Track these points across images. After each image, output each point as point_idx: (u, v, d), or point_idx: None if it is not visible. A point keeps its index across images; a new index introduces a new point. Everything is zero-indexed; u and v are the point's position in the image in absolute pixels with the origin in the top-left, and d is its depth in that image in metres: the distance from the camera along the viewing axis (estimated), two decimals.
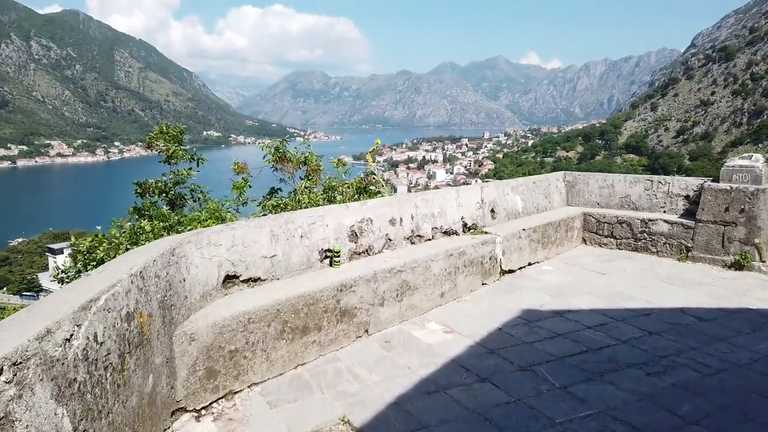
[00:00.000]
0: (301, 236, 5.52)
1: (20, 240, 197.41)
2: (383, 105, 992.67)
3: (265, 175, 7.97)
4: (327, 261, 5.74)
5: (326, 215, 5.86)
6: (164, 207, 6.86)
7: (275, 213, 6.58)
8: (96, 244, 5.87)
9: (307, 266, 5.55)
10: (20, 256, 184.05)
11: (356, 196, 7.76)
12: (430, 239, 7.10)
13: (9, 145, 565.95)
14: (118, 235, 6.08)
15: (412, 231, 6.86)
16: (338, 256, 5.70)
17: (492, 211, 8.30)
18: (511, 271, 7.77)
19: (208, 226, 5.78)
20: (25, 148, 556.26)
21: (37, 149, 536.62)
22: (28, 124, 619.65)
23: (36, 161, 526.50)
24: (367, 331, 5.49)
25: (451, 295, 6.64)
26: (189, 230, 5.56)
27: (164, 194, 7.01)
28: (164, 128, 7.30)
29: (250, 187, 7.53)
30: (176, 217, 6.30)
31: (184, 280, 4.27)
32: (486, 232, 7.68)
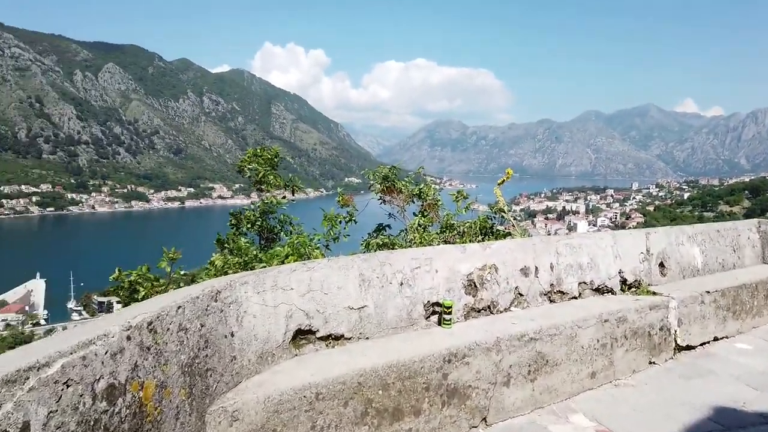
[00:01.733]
0: (401, 284, 4.26)
1: (183, 273, 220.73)
2: (521, 154, 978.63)
3: (373, 210, 6.83)
4: (434, 318, 4.42)
5: (435, 258, 4.52)
6: (246, 240, 5.95)
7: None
8: (140, 280, 4.99)
9: (407, 324, 4.28)
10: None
11: (479, 238, 6.27)
12: (575, 297, 5.39)
13: (180, 187, 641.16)
14: (168, 269, 5.19)
15: (551, 285, 5.22)
16: (449, 313, 4.35)
17: (661, 265, 6.32)
18: (689, 348, 5.71)
19: (288, 263, 4.63)
20: (192, 190, 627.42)
21: (202, 191, 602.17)
22: (196, 169, 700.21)
23: (201, 202, 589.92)
24: (485, 419, 4.01)
25: (605, 377, 4.84)
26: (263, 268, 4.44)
27: (252, 226, 6.11)
28: (258, 150, 6.54)
29: (355, 222, 6.36)
30: (254, 251, 5.30)
31: (232, 335, 3.32)
32: (653, 293, 5.77)
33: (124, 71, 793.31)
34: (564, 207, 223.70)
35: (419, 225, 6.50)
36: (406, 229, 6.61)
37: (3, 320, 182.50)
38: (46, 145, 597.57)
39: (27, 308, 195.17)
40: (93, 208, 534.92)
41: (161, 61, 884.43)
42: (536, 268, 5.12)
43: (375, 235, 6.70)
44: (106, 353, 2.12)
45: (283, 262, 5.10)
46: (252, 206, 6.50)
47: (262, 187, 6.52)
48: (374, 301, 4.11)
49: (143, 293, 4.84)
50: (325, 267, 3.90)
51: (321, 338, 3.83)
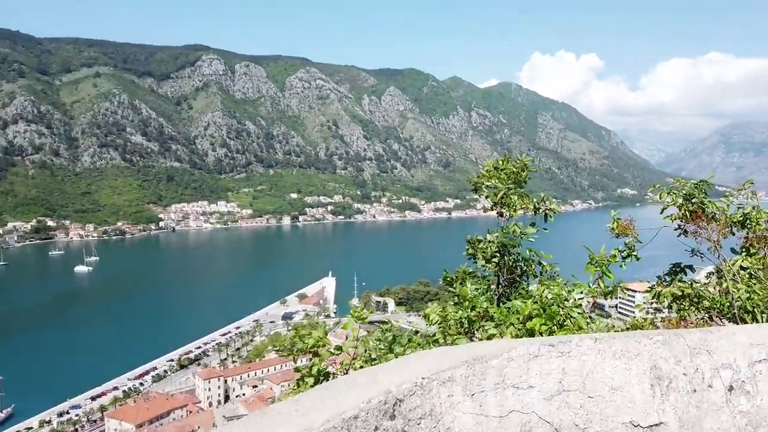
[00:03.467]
0: (730, 389, 2.39)
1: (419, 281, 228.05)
2: None
3: (666, 239, 4.73)
4: None
5: None
6: (476, 288, 4.58)
7: (680, 314, 3.84)
8: (319, 343, 4.13)
9: None
10: (446, 293, 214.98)
11: None
12: None
13: (447, 199, 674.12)
14: (363, 315, 4.20)
15: None
16: None
17: None
18: None
19: (532, 331, 3.71)
20: (459, 201, 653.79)
21: (468, 203, 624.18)
22: (463, 182, 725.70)
23: (465, 213, 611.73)
24: None
25: None
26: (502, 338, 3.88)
27: (488, 261, 4.76)
28: (500, 162, 5.11)
29: (637, 259, 4.43)
30: (483, 303, 4.11)
31: None
32: None
33: (402, 93, 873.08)
34: None
35: (742, 268, 4.26)
36: (718, 274, 4.38)
37: (303, 310, 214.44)
38: (339, 162, 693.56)
39: (321, 302, 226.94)
40: (374, 216, 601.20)
41: (434, 81, 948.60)
42: None
43: (668, 280, 4.60)
44: None
45: (524, 327, 3.91)
46: (492, 233, 5.15)
47: (503, 210, 5.10)
48: (678, 414, 2.36)
49: (316, 368, 4.11)
50: (590, 351, 2.33)
51: None
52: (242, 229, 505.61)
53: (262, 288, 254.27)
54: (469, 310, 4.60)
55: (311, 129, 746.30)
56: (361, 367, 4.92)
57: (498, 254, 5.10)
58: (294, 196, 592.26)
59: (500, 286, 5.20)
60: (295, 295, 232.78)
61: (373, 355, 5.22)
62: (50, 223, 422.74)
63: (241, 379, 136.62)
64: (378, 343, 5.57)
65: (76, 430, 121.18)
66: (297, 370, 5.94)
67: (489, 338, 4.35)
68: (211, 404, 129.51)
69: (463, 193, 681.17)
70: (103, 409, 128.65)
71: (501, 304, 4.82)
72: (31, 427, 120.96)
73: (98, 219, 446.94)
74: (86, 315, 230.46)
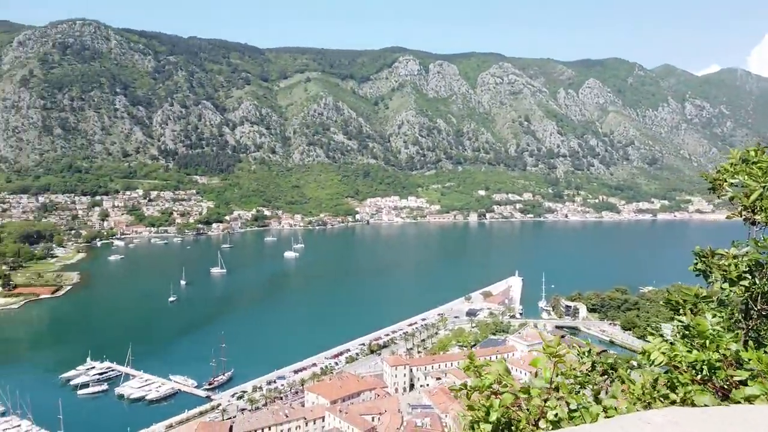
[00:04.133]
0: None
1: (649, 288, 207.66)
2: None
3: None
4: None
5: None
6: (718, 321, 3.62)
7: None
8: (500, 380, 3.81)
9: None
10: (648, 303, 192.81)
11: None
12: None
13: (652, 199, 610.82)
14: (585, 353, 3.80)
15: None
16: None
17: None
18: None
19: None
20: (666, 202, 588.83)
21: (677, 204, 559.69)
22: (672, 181, 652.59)
23: (674, 215, 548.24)
24: None
25: None
26: None
27: (733, 284, 3.79)
28: (752, 153, 3.92)
29: None
30: (731, 342, 3.37)
31: None
32: None
33: (603, 84, 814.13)
34: None
35: None
36: None
37: (488, 308, 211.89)
38: (530, 159, 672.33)
39: (506, 301, 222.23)
40: (566, 216, 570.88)
41: (641, 69, 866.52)
42: None
43: None
44: None
45: None
46: (739, 247, 3.64)
47: (757, 216, 3.87)
48: None
49: (495, 414, 3.87)
50: None
51: None
52: (430, 224, 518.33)
53: (448, 283, 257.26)
54: (711, 352, 3.41)
55: (501, 125, 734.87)
56: (556, 422, 3.70)
57: (748, 275, 3.85)
58: (482, 193, 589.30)
59: (750, 319, 3.90)
60: (479, 292, 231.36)
61: (572, 404, 3.93)
62: (266, 212, 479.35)
63: (425, 369, 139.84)
64: (576, 380, 4.32)
65: (281, 398, 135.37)
66: (470, 408, 5.08)
67: (749, 399, 3.10)
68: (396, 390, 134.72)
69: (672, 193, 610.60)
70: (303, 382, 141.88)
71: (752, 345, 3.67)
72: (246, 391, 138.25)
73: (305, 210, 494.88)
74: (293, 296, 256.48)
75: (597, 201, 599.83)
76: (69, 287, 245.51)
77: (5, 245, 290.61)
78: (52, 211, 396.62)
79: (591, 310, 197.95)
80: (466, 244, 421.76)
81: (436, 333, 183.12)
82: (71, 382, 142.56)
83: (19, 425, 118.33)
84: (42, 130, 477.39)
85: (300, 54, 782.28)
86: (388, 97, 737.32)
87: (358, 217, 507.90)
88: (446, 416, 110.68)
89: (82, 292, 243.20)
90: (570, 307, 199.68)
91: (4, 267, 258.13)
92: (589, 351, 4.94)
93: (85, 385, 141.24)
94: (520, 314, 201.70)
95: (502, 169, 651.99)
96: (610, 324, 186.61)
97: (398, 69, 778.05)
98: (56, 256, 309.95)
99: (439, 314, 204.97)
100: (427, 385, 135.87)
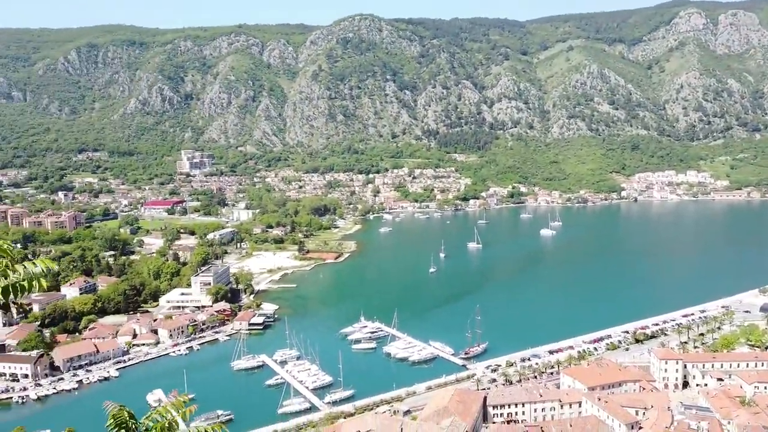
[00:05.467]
0: None
1: None
2: None
3: None
4: None
5: None
6: None
7: None
8: None
9: None
10: None
11: None
12: None
13: None
14: None
15: None
16: None
17: None
18: None
19: None
20: None
21: None
22: None
23: None
24: None
25: None
26: None
27: None
28: None
29: None
30: None
31: None
32: None
33: None
34: None
35: None
36: None
37: None
38: None
39: None
40: None
41: None
42: None
43: None
44: None
45: None
46: None
47: None
48: None
49: None
50: None
51: None
52: (715, 203, 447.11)
53: (735, 271, 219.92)
54: None
55: None
56: None
57: None
58: None
59: None
60: None
61: None
62: (522, 189, 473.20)
63: (703, 367, 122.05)
64: None
65: (535, 376, 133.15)
66: None
67: None
68: (666, 386, 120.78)
69: None
70: (558, 364, 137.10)
71: None
72: (500, 365, 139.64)
73: (563, 187, 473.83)
74: (549, 274, 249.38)
75: None
76: (348, 254, 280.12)
77: (301, 217, 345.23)
78: (335, 187, 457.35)
79: None
80: (763, 227, 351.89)
81: (719, 328, 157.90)
82: (348, 337, 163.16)
83: (309, 368, 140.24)
84: (328, 117, 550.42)
85: (562, 22, 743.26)
86: (664, 59, 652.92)
87: (623, 193, 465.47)
88: (729, 423, 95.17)
89: (358, 259, 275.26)
90: None
91: (299, 235, 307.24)
92: None
93: (358, 341, 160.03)
94: None
95: None
96: None
97: (678, 25, 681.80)
98: (338, 227, 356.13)
99: (722, 306, 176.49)
100: (705, 385, 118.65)
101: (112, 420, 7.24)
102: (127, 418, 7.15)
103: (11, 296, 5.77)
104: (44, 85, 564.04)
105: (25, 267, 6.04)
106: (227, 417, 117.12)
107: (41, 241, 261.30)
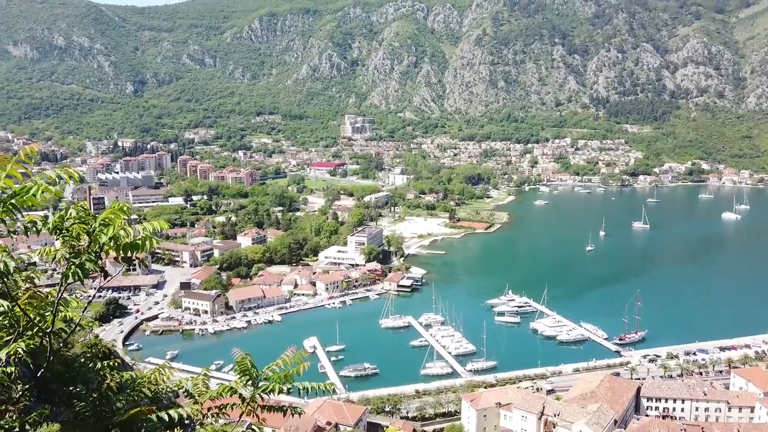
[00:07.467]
0: None
1: None
2: None
3: None
4: None
5: None
6: None
7: None
8: None
9: None
10: None
11: None
12: None
13: None
14: None
15: None
16: None
17: None
18: None
19: None
20: None
21: None
22: None
23: None
24: None
25: None
26: None
27: None
28: None
29: None
30: None
31: None
32: None
33: None
34: None
35: None
36: None
37: None
38: None
39: None
40: None
41: None
42: None
43: None
44: None
45: None
46: None
47: None
48: None
49: None
50: None
51: None
52: None
53: None
54: None
55: None
56: None
57: None
58: None
59: None
60: None
61: None
62: (704, 166, 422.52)
63: None
64: None
65: (701, 373, 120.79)
66: None
67: None
68: None
69: None
70: (730, 362, 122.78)
71: None
72: (659, 356, 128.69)
73: (755, 165, 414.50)
74: (727, 263, 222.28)
75: None
76: (499, 225, 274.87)
77: (454, 184, 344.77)
78: (491, 156, 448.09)
79: None
80: None
81: None
82: (493, 309, 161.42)
83: (453, 335, 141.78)
84: (488, 83, 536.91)
85: None
86: None
87: None
88: None
89: (509, 230, 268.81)
90: None
91: (451, 203, 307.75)
92: None
93: (502, 314, 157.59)
94: None
95: None
96: None
97: None
98: (491, 197, 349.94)
99: None
100: None
101: (237, 366, 7.79)
102: (249, 366, 7.66)
103: (129, 252, 6.43)
104: (231, 52, 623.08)
105: (144, 227, 6.65)
106: (374, 371, 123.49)
107: (223, 194, 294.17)
